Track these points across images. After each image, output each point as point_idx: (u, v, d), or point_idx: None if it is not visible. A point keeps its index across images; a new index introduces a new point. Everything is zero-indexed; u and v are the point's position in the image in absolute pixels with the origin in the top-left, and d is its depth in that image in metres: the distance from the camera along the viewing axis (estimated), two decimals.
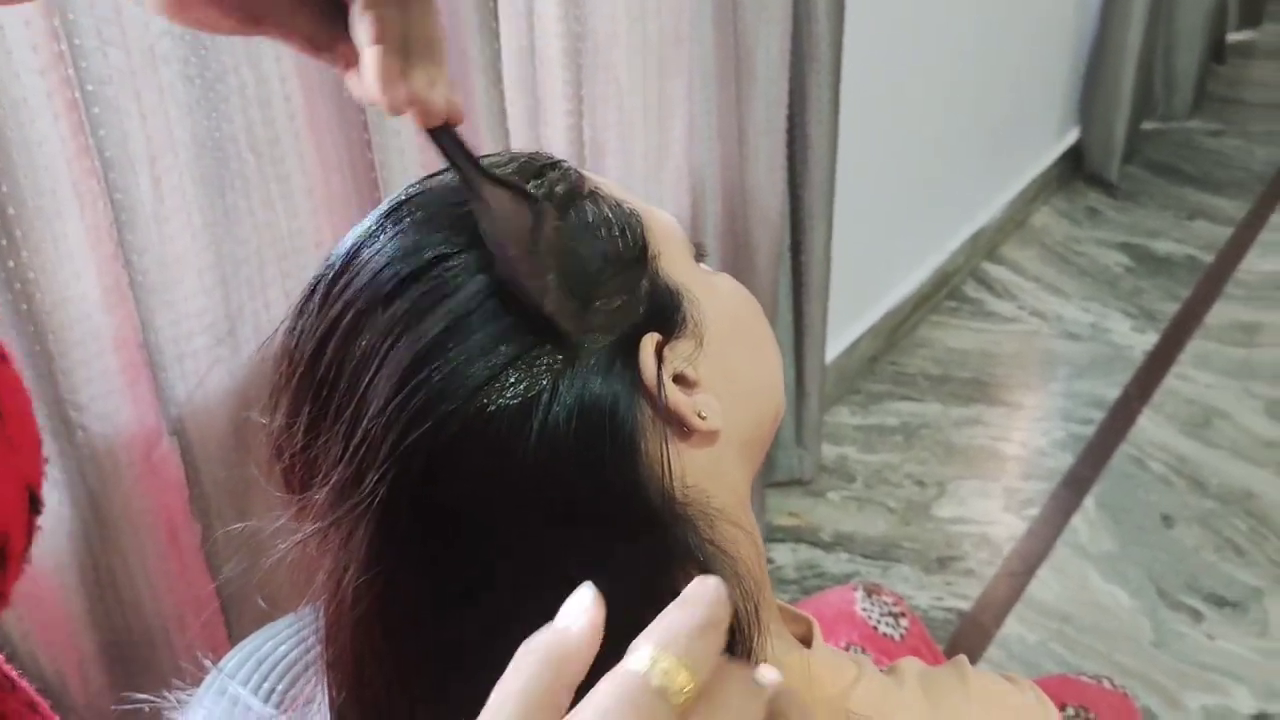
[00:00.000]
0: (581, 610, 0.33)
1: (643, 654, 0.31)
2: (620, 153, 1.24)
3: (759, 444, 0.53)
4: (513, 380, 0.44)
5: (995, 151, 2.38)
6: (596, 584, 0.39)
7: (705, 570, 0.45)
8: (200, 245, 0.88)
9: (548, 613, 0.41)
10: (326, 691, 0.49)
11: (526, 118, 1.12)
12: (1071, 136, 2.70)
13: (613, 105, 1.20)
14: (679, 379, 0.47)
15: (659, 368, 0.46)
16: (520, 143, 1.11)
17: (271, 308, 0.96)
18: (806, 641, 0.56)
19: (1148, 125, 2.87)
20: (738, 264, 1.46)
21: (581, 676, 0.32)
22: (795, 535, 1.73)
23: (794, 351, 1.69)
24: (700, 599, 0.32)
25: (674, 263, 0.51)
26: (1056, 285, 2.35)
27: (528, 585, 0.45)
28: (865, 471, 1.86)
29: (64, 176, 0.78)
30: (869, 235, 1.91)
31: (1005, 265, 2.41)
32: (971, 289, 2.33)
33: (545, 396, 0.44)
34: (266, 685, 0.61)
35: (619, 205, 0.51)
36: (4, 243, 0.76)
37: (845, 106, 1.52)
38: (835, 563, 1.69)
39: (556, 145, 1.16)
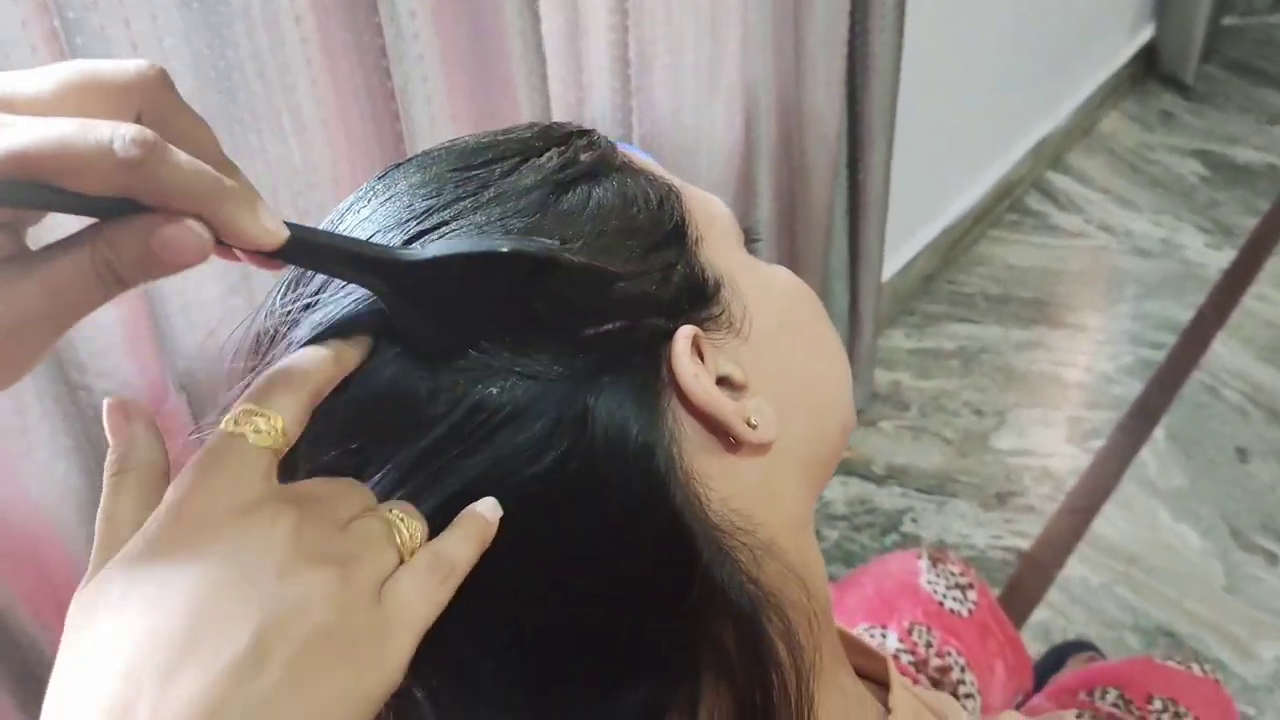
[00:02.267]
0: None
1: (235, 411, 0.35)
2: (669, 68, 1.13)
3: (823, 463, 0.45)
4: (498, 371, 0.37)
5: (1063, 51, 2.22)
6: (621, 641, 0.37)
7: (745, 624, 0.37)
8: None
9: (551, 674, 0.38)
10: None
11: (566, 31, 1.02)
12: (1146, 34, 2.52)
13: (660, 15, 1.09)
14: (724, 381, 0.40)
15: (698, 366, 0.39)
16: (557, 61, 1.01)
17: None
18: (879, 679, 0.49)
19: (1228, 21, 2.67)
20: (792, 187, 1.36)
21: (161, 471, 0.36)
22: (845, 468, 1.66)
23: (849, 275, 1.60)
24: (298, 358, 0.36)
25: (717, 248, 0.43)
26: (1126, 197, 2.21)
27: (527, 644, 0.38)
28: (920, 399, 1.78)
29: None
30: (926, 146, 1.78)
31: (1071, 175, 2.27)
32: (1035, 201, 2.20)
33: (554, 400, 0.37)
34: None
35: (655, 179, 0.44)
36: None
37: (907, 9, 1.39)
38: (887, 497, 1.62)
39: (598, 59, 1.06)
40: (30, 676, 0.81)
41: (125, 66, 0.33)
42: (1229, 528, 1.54)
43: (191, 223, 0.32)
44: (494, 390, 0.37)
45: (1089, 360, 1.85)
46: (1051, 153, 2.28)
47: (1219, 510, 1.57)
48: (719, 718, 0.38)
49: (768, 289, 0.45)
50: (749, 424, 0.39)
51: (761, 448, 0.40)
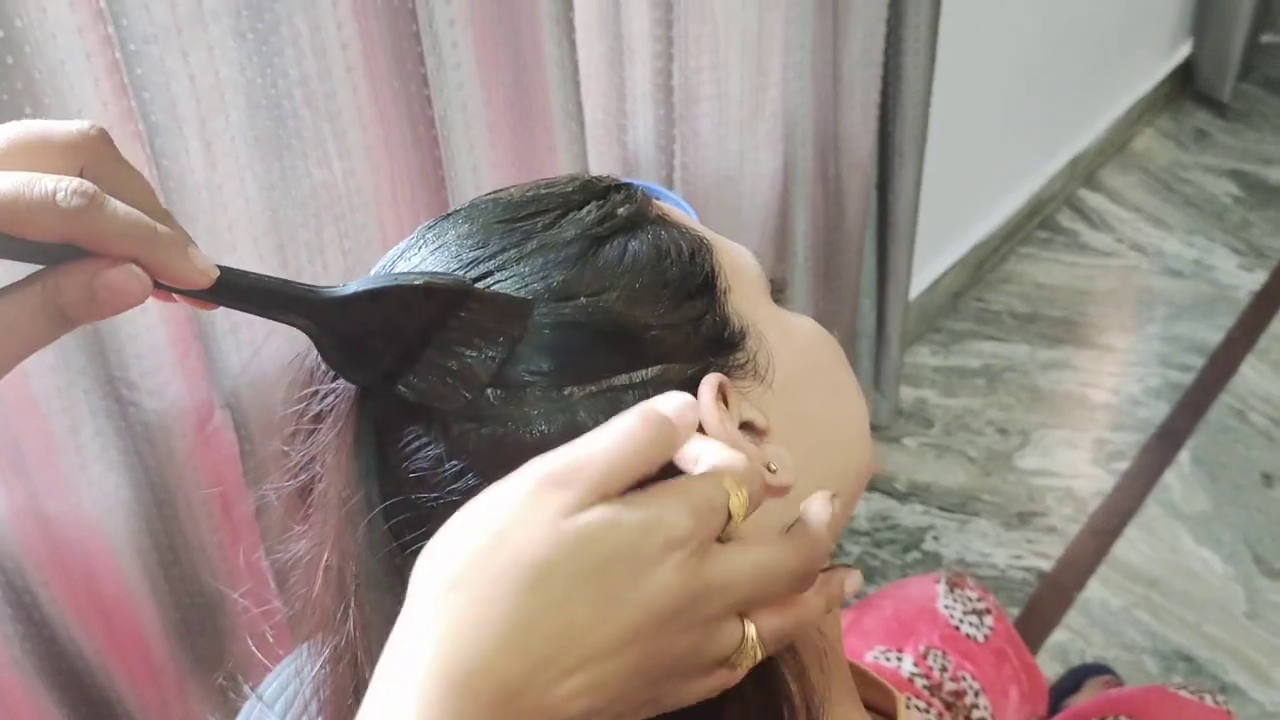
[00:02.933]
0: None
1: (729, 472, 0.37)
2: (714, 97, 1.14)
3: (841, 502, 0.47)
4: (547, 413, 0.40)
5: (1098, 68, 2.22)
6: None
7: (762, 663, 0.40)
8: (255, 210, 0.83)
9: None
10: None
11: (609, 60, 1.04)
12: (1183, 51, 2.51)
13: (707, 45, 1.11)
14: (746, 426, 0.42)
15: (723, 412, 0.41)
16: (599, 89, 1.04)
17: (330, 269, 0.91)
18: (887, 713, 0.51)
19: (1267, 38, 2.65)
20: (827, 210, 1.37)
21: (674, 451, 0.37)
22: (869, 484, 1.67)
23: (876, 293, 1.61)
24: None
25: (745, 299, 0.46)
26: (1158, 216, 2.21)
27: None
28: (945, 417, 1.79)
29: None
30: (957, 162, 1.79)
31: (1103, 193, 2.27)
32: (1066, 219, 2.21)
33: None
34: (298, 714, 0.58)
35: (687, 232, 0.46)
36: None
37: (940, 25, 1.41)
38: (910, 514, 1.64)
39: (642, 88, 1.08)
40: (75, 685, 0.85)
41: (69, 126, 0.36)
42: (1252, 553, 1.54)
43: (130, 266, 0.35)
44: (535, 430, 0.40)
45: (1116, 381, 1.85)
46: (1085, 170, 2.28)
47: (1242, 535, 1.57)
48: None
49: (791, 338, 0.47)
50: (769, 469, 0.42)
51: (780, 491, 0.43)
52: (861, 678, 0.52)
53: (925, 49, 1.39)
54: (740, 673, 0.37)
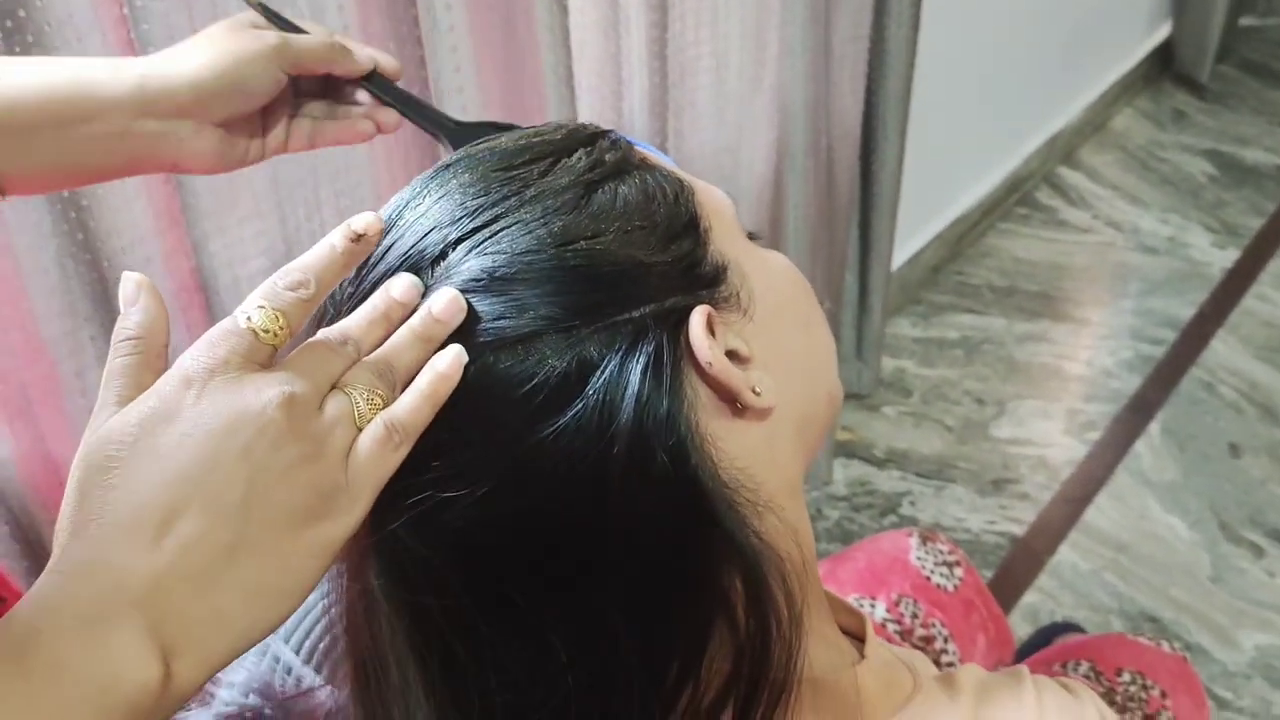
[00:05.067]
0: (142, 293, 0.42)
1: (247, 303, 0.41)
2: (713, 70, 1.17)
3: (814, 426, 0.51)
4: (559, 350, 0.43)
5: (1078, 48, 2.25)
6: (641, 589, 0.43)
7: (749, 567, 0.43)
8: (256, 168, 0.85)
9: (580, 612, 0.43)
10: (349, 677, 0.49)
11: (602, 27, 1.06)
12: (1162, 32, 2.55)
13: (706, 18, 1.13)
14: (732, 354, 0.46)
15: (712, 341, 0.45)
16: (593, 56, 1.06)
17: (327, 227, 0.94)
18: (859, 635, 0.54)
19: (1246, 21, 2.69)
20: (818, 182, 1.40)
21: (159, 338, 0.41)
22: (848, 450, 1.72)
23: (859, 265, 1.64)
24: (298, 262, 0.43)
25: (724, 237, 0.49)
26: (1135, 194, 2.25)
27: (561, 582, 0.43)
28: (923, 386, 1.83)
29: None
30: (939, 138, 1.82)
31: (1082, 171, 2.31)
32: (1045, 196, 2.24)
33: (591, 369, 0.43)
34: (309, 642, 0.61)
35: (669, 175, 0.50)
36: None
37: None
38: (887, 480, 1.68)
39: (637, 55, 1.10)
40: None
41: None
42: (1218, 520, 1.59)
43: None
44: (551, 366, 0.43)
45: (1090, 354, 1.89)
46: (1064, 148, 2.32)
47: (1209, 503, 1.62)
48: (720, 662, 0.44)
49: (768, 273, 0.50)
50: (754, 391, 0.45)
51: (764, 413, 0.46)
52: (834, 602, 0.56)
53: (909, 24, 1.42)
54: (378, 450, 0.41)
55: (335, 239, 0.44)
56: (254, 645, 0.38)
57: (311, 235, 0.92)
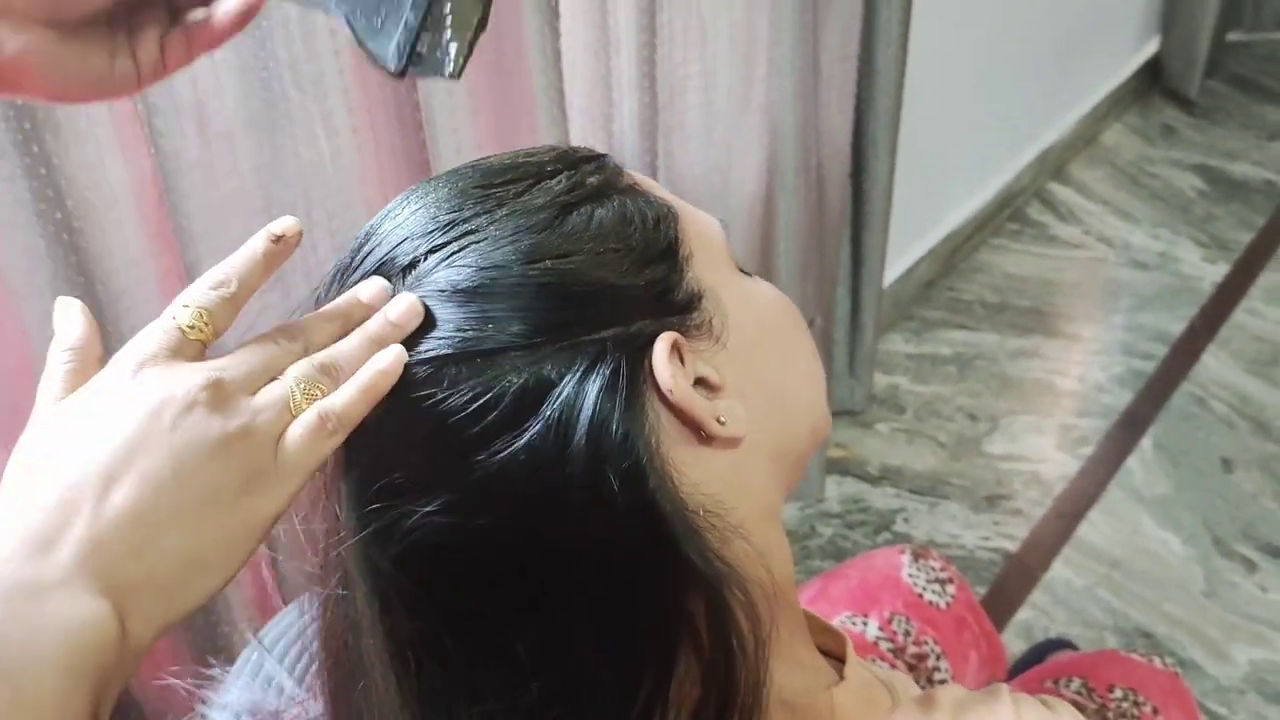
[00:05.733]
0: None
1: (175, 303, 0.44)
2: (702, 89, 1.18)
3: (793, 457, 0.51)
4: (518, 367, 0.43)
5: (1068, 62, 2.27)
6: (604, 610, 0.43)
7: (711, 592, 0.43)
8: (248, 188, 0.86)
9: (547, 631, 0.43)
10: (323, 679, 0.49)
11: (594, 49, 1.07)
12: (1151, 47, 2.57)
13: (694, 38, 1.14)
14: (700, 382, 0.46)
15: (677, 368, 0.45)
16: (583, 77, 1.07)
17: (318, 249, 0.94)
18: (839, 655, 0.54)
19: (1234, 36, 2.72)
20: (809, 201, 1.41)
21: (93, 349, 0.44)
22: (841, 468, 1.72)
23: (851, 281, 1.65)
24: (222, 264, 0.45)
25: (707, 266, 0.49)
26: (1125, 209, 2.26)
27: (526, 599, 0.44)
28: (916, 403, 1.83)
29: (106, 123, 0.76)
30: (929, 155, 1.84)
31: (1072, 186, 2.32)
32: (1036, 211, 2.25)
33: (550, 388, 0.43)
34: (303, 663, 0.61)
35: (654, 200, 0.50)
36: (50, 194, 0.74)
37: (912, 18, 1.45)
38: (881, 497, 1.68)
39: (628, 76, 1.11)
40: None
41: None
42: (1211, 535, 1.59)
43: None
44: (508, 382, 0.43)
45: (1082, 369, 1.90)
46: (1054, 163, 2.33)
47: (1201, 518, 1.62)
48: (688, 684, 0.44)
49: (749, 304, 0.50)
50: (719, 421, 0.45)
51: (731, 442, 0.47)
52: (815, 625, 0.56)
53: (897, 43, 1.43)
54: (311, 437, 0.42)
55: (257, 242, 0.46)
56: (190, 612, 0.41)
57: (303, 257, 0.92)
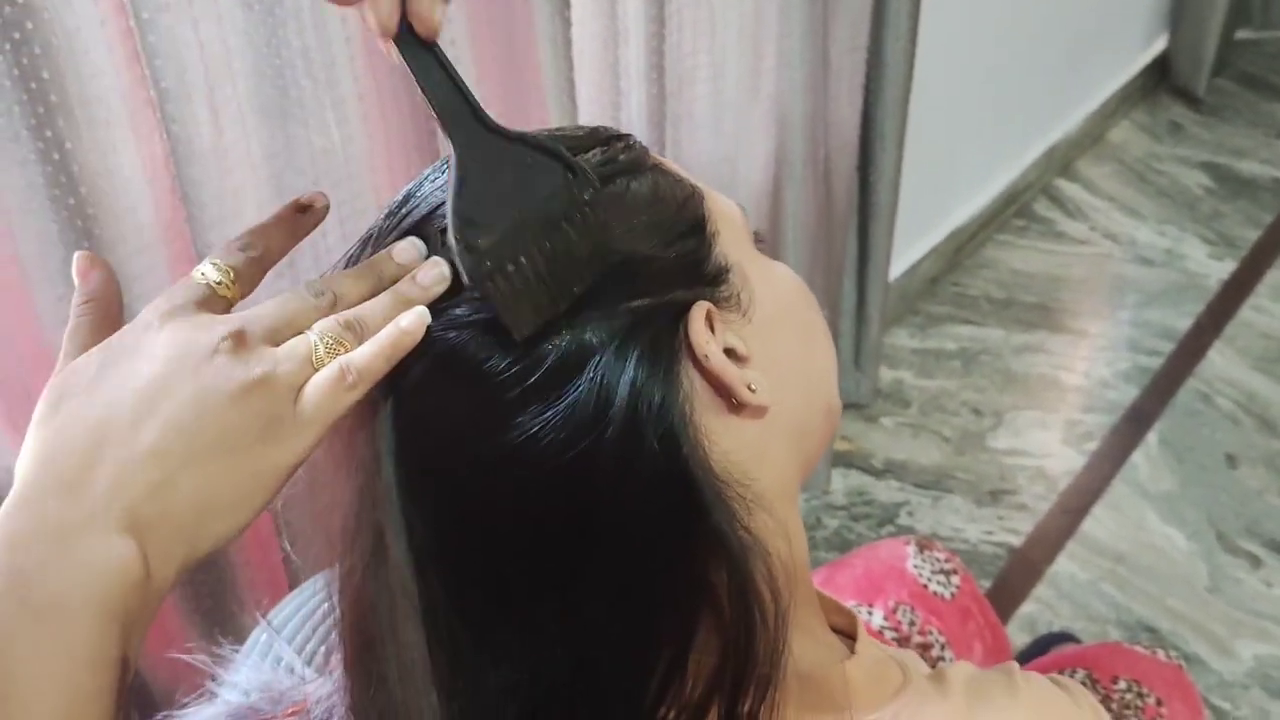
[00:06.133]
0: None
1: (203, 262, 0.45)
2: (711, 80, 1.18)
3: (810, 436, 0.52)
4: (559, 332, 0.44)
5: (1076, 60, 2.27)
6: (630, 578, 0.44)
7: (735, 560, 0.44)
8: (260, 176, 0.87)
9: (572, 598, 0.44)
10: (342, 659, 0.49)
11: (603, 38, 1.07)
12: (1159, 45, 2.57)
13: (703, 29, 1.14)
14: (729, 352, 0.47)
15: (710, 335, 0.46)
16: (592, 66, 1.07)
17: (329, 236, 0.94)
18: (850, 634, 0.55)
19: (1242, 34, 2.71)
20: (817, 192, 1.41)
21: (113, 298, 0.46)
22: (846, 461, 1.72)
23: (857, 274, 1.65)
24: (251, 227, 0.46)
25: (730, 243, 0.51)
26: (1132, 206, 2.26)
27: (552, 562, 0.44)
28: (921, 397, 1.83)
29: (119, 109, 0.76)
30: (937, 150, 1.84)
31: (1079, 183, 2.32)
32: (1043, 207, 2.25)
33: (590, 354, 0.44)
34: (311, 645, 0.61)
35: (681, 180, 0.51)
36: (63, 179, 0.75)
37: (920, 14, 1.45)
38: (885, 491, 1.68)
39: (636, 67, 1.11)
40: None
41: None
42: (1215, 531, 1.60)
43: None
44: (550, 346, 0.44)
45: (1087, 365, 1.90)
46: (1061, 160, 2.33)
47: (1206, 514, 1.62)
48: (706, 655, 0.44)
49: (770, 280, 0.52)
50: (749, 388, 0.46)
51: (759, 410, 0.47)
52: (825, 602, 0.57)
53: (906, 36, 1.43)
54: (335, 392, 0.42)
55: (285, 209, 0.47)
56: (205, 555, 0.41)
57: (313, 244, 0.92)
